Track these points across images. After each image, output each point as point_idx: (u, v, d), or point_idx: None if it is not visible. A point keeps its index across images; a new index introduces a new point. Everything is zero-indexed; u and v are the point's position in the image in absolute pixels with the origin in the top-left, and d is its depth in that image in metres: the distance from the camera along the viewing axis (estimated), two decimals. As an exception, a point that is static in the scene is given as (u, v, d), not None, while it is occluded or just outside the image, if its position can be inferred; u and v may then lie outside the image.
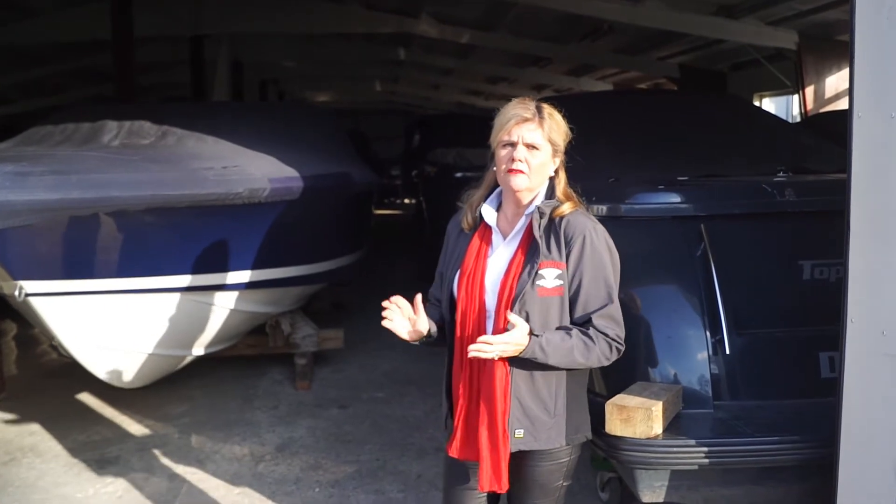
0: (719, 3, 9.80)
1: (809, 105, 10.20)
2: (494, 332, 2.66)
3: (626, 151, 5.13)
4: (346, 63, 18.21)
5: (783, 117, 12.50)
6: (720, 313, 3.62)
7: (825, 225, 3.36)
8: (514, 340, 2.54)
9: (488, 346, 2.52)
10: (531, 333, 2.56)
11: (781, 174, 4.46)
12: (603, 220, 3.84)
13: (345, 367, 7.39)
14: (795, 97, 11.10)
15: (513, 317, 2.56)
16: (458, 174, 10.10)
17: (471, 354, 2.55)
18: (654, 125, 5.62)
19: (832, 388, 3.02)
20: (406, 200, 21.70)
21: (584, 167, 4.45)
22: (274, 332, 6.86)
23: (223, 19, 11.87)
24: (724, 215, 3.91)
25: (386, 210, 22.11)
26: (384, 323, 2.77)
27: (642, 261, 3.84)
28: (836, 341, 2.93)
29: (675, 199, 3.97)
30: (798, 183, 4.07)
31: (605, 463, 4.05)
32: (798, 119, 10.87)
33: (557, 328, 2.64)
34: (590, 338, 2.62)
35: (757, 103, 13.35)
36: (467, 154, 11.26)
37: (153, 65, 15.09)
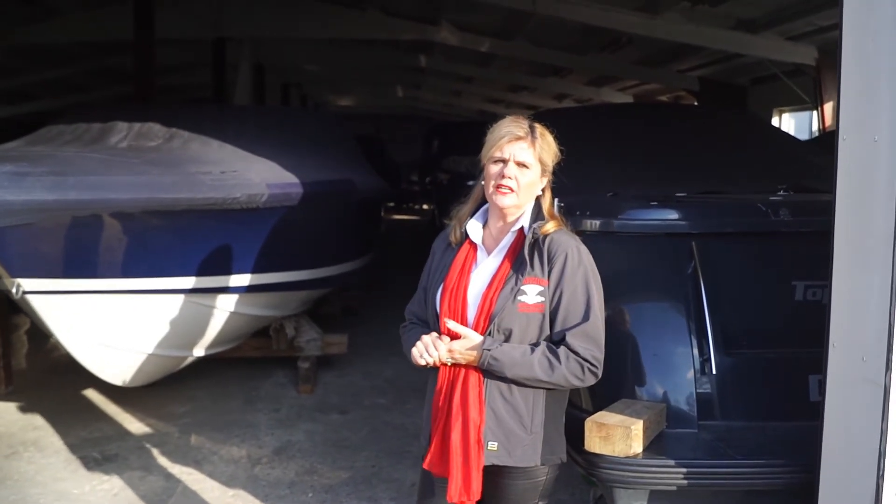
0: (738, 17, 9.76)
1: (828, 121, 10.14)
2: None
3: (630, 165, 5.11)
4: (369, 68, 18.30)
5: (805, 134, 12.44)
6: (708, 332, 3.58)
7: (819, 245, 3.32)
8: (457, 349, 2.63)
9: (433, 350, 2.64)
10: (483, 346, 2.60)
11: (782, 193, 4.42)
12: (596, 235, 3.88)
13: (349, 372, 7.41)
14: (815, 113, 11.04)
15: (455, 325, 2.64)
16: (471, 182, 10.07)
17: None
18: (660, 139, 5.59)
19: (820, 412, 2.99)
20: (425, 206, 21.79)
21: (584, 181, 4.49)
22: (277, 335, 6.88)
23: (245, 23, 11.93)
24: (716, 233, 3.88)
25: (404, 215, 22.18)
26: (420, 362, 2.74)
27: (632, 277, 3.84)
28: (824, 364, 2.90)
29: (667, 215, 3.94)
30: (793, 202, 4.03)
31: (595, 479, 4.04)
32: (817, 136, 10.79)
33: (530, 344, 2.65)
34: (556, 356, 2.61)
35: (777, 119, 13.28)
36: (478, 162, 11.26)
37: (176, 66, 15.22)
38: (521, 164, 2.69)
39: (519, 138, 2.70)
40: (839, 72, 2.73)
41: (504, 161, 2.69)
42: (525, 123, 2.74)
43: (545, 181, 2.79)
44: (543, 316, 2.66)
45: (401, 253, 13.69)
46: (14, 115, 14.42)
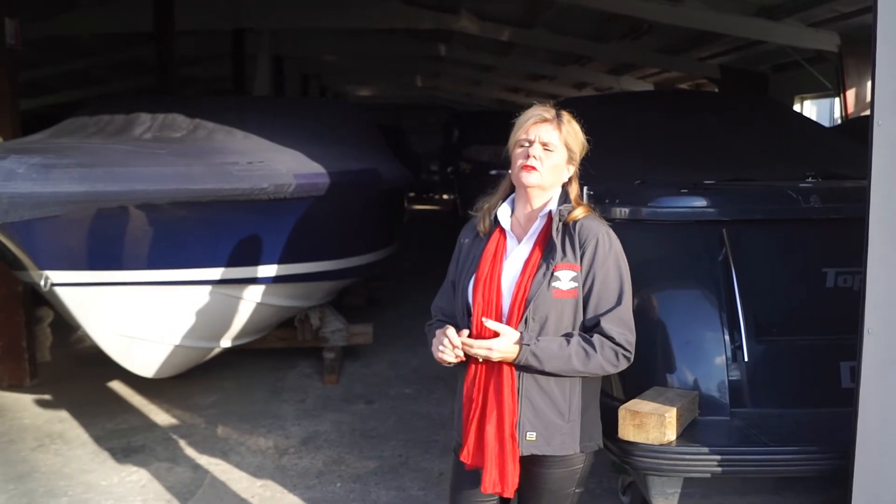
0: (759, 3, 9.68)
1: (850, 109, 10.06)
2: None
3: (657, 153, 5.09)
4: (388, 58, 18.29)
5: (826, 121, 12.35)
6: (740, 319, 3.57)
7: (850, 232, 3.29)
8: (498, 348, 2.58)
9: (469, 349, 2.61)
10: (522, 342, 2.57)
11: (810, 179, 4.39)
12: (625, 222, 3.86)
13: (374, 363, 7.40)
14: (837, 100, 10.96)
15: (493, 324, 2.60)
16: (493, 171, 10.07)
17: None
18: (686, 127, 5.57)
19: (852, 398, 2.97)
20: (445, 196, 21.80)
21: (611, 169, 4.46)
22: (303, 325, 6.88)
23: (263, 13, 11.98)
24: (747, 220, 3.86)
25: (424, 205, 22.16)
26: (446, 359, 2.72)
27: (663, 264, 3.83)
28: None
29: (697, 203, 3.92)
30: (824, 189, 4.00)
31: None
32: (839, 123, 10.71)
33: (563, 335, 2.63)
34: (591, 345, 2.61)
35: (798, 106, 13.18)
36: (502, 151, 11.24)
37: (197, 57, 15.26)
38: (546, 144, 2.69)
39: (545, 120, 2.71)
40: (874, 55, 2.71)
41: (530, 142, 2.69)
42: (552, 109, 2.75)
43: (572, 169, 2.78)
44: (577, 302, 2.65)
45: (424, 242, 13.68)
46: (33, 108, 14.47)
